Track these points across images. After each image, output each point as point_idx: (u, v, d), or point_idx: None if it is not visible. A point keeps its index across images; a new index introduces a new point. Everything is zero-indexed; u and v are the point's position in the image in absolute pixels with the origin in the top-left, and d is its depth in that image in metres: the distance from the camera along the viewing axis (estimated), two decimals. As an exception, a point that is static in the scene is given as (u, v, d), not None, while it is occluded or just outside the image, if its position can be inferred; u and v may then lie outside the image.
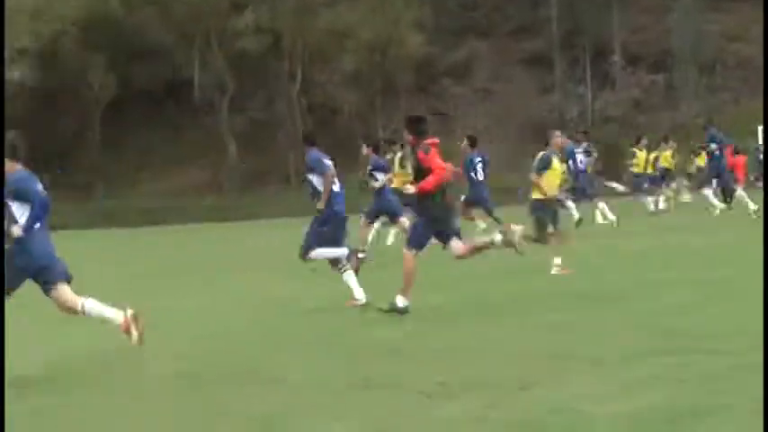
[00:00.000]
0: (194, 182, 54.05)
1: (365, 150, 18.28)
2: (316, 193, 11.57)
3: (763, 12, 41.94)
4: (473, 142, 19.96)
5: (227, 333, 9.80)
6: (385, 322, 9.78)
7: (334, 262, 11.54)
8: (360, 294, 11.16)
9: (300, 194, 50.05)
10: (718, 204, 22.21)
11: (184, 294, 14.08)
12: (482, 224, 19.50)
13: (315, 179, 11.62)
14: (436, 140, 10.35)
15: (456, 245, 10.38)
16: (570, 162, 21.26)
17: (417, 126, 10.51)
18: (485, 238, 10.93)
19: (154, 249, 27.06)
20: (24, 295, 8.30)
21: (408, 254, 10.28)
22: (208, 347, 8.98)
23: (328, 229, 11.54)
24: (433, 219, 10.31)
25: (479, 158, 19.68)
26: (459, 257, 10.52)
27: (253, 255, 22.29)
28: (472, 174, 19.46)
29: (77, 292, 8.27)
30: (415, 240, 10.37)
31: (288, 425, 5.98)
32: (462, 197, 19.29)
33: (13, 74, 54.13)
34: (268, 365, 7.88)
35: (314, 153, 11.74)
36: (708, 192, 22.26)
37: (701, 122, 27.22)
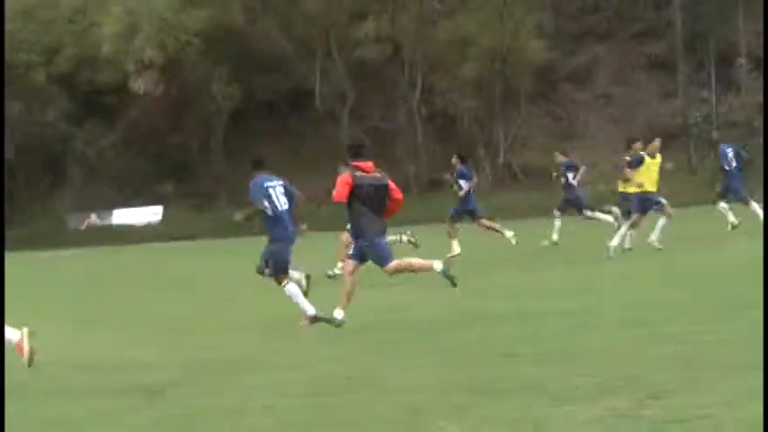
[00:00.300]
0: (315, 191, 54.46)
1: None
2: (264, 214, 12.26)
3: (763, 12, 41.24)
4: (462, 158, 21.79)
5: (345, 342, 9.85)
6: (512, 326, 9.74)
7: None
8: (310, 309, 11.57)
9: (421, 202, 50.31)
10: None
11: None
12: (456, 249, 20.56)
13: (265, 203, 12.25)
14: (369, 164, 11.24)
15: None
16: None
17: (357, 150, 11.76)
18: (423, 262, 11.40)
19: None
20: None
21: (351, 266, 11.19)
22: (325, 355, 9.05)
23: (276, 248, 12.21)
24: (361, 236, 11.19)
25: (467, 173, 21.28)
26: (392, 273, 11.32)
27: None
28: (463, 185, 21.06)
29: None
30: (358, 253, 11.21)
31: (419, 427, 5.99)
32: (451, 210, 21.37)
33: (139, 85, 55.39)
34: (392, 372, 7.91)
35: (256, 180, 12.39)
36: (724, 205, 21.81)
37: None
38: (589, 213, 22.54)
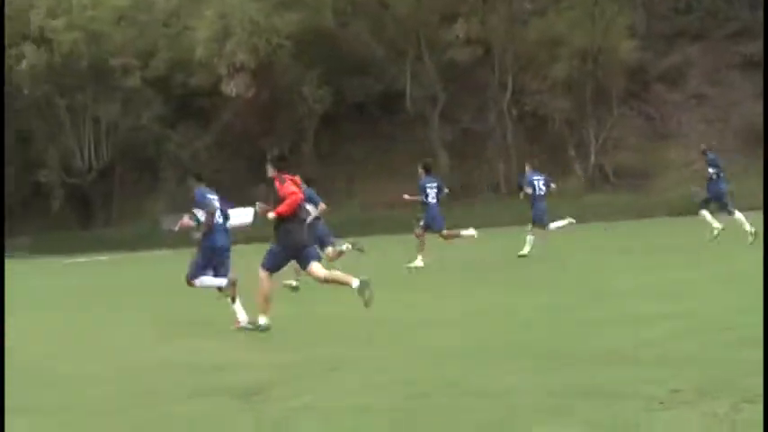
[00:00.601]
0: (407, 193, 54.50)
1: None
2: (199, 224, 13.04)
3: (763, 12, 40.11)
4: (427, 168, 21.61)
5: (442, 345, 9.86)
6: (611, 330, 9.68)
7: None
8: (242, 317, 12.24)
9: (510, 204, 50.09)
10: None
11: (384, 307, 14.26)
12: (419, 262, 20.79)
13: (200, 213, 13.03)
14: (296, 177, 11.81)
15: (317, 269, 11.56)
16: None
17: (278, 163, 11.92)
18: (344, 277, 11.55)
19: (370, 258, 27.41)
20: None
21: (263, 274, 11.57)
22: (420, 357, 9.07)
23: (202, 260, 12.85)
24: (288, 245, 11.53)
25: (433, 184, 21.22)
26: (322, 282, 11.60)
27: (463, 265, 22.36)
28: (424, 198, 21.06)
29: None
30: (270, 262, 11.63)
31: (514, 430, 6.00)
32: (420, 222, 21.30)
33: (231, 88, 56.00)
34: (487, 374, 7.91)
35: (199, 190, 13.20)
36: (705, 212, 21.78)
37: None
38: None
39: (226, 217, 13.15)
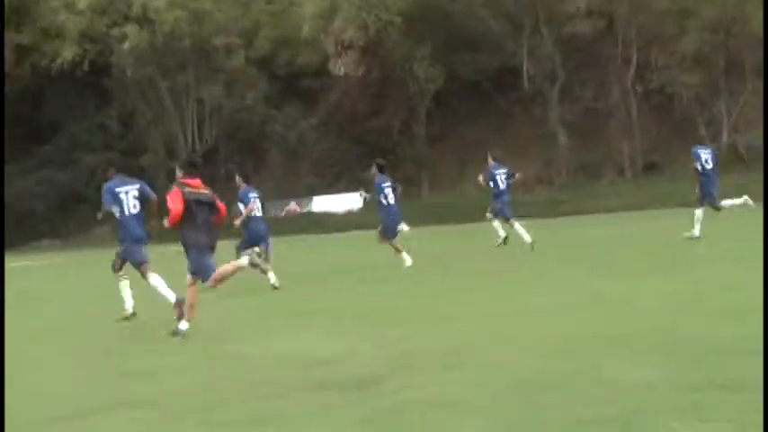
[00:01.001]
0: (524, 175, 54.19)
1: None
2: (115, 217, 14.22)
3: (763, 12, 39.77)
4: (381, 168, 21.21)
5: (562, 335, 9.70)
6: (744, 319, 9.42)
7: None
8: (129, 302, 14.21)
9: (636, 187, 49.21)
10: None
11: (523, 292, 14.12)
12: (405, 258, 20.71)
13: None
14: (197, 181, 12.36)
15: (189, 278, 12.26)
16: None
17: (187, 168, 12.66)
18: (233, 263, 12.60)
19: (473, 246, 27.33)
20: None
21: (191, 279, 12.19)
22: (541, 349, 8.93)
23: (125, 248, 14.23)
24: (191, 245, 12.24)
25: (388, 183, 20.96)
26: (210, 286, 12.43)
27: (586, 250, 22.10)
28: (382, 199, 20.81)
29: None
30: (194, 267, 12.20)
31: (646, 426, 5.85)
32: (379, 227, 21.29)
33: (339, 67, 56.21)
34: (612, 364, 7.73)
35: (110, 183, 14.21)
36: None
37: None
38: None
39: (143, 201, 14.31)
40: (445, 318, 11.66)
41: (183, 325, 12.01)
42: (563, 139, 54.17)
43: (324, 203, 56.67)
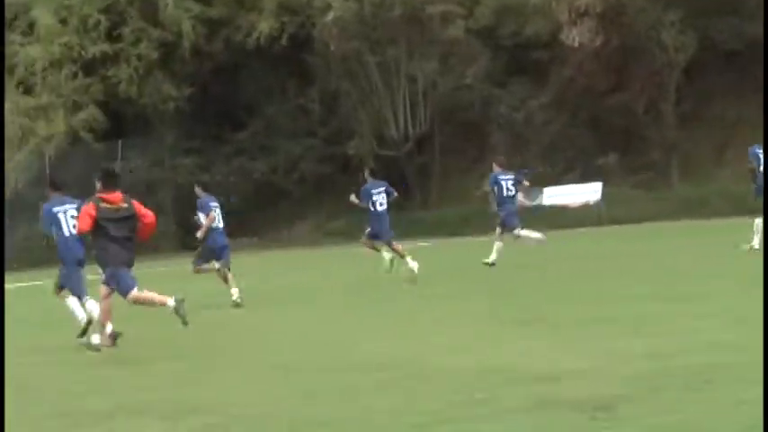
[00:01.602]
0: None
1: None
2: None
3: (763, 12, 41.08)
4: (373, 173, 23.47)
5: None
6: None
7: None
8: (81, 314, 14.92)
9: None
10: None
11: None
12: (387, 255, 22.67)
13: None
14: (117, 194, 13.54)
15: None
16: None
17: (106, 179, 13.81)
18: (160, 297, 13.73)
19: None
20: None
21: (105, 290, 13.57)
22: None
23: (65, 272, 15.30)
24: (108, 263, 13.63)
25: (380, 189, 22.19)
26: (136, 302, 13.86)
27: None
28: (371, 206, 22.41)
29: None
30: (118, 284, 13.51)
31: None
32: (367, 230, 22.90)
33: (573, 37, 55.68)
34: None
35: (47, 204, 15.32)
36: None
37: None
38: None
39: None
40: (696, 328, 11.51)
41: (95, 338, 13.58)
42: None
43: (556, 195, 56.07)
